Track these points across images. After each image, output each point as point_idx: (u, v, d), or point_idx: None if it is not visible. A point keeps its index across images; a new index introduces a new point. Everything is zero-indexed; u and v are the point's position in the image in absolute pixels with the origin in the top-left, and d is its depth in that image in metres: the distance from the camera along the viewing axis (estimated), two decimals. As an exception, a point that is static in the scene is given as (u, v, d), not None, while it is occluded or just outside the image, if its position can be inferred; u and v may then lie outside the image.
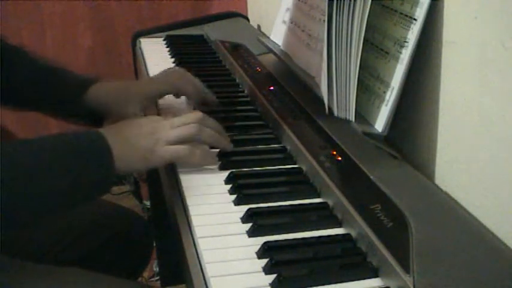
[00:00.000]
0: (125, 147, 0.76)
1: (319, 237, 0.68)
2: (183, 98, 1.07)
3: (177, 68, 1.14)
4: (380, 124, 0.81)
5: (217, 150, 0.86)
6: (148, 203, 1.97)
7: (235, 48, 1.35)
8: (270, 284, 0.60)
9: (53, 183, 0.70)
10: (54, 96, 1.04)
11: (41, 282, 0.81)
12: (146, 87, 1.04)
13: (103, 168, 0.74)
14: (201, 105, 1.04)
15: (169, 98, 1.06)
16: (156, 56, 1.40)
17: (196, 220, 0.71)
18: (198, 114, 0.84)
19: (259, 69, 1.20)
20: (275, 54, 1.18)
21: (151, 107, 1.05)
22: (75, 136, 0.75)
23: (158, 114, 1.05)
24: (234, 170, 0.82)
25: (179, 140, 0.79)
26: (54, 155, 0.72)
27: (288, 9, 1.19)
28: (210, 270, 0.62)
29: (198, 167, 0.83)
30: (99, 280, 0.86)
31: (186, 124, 0.81)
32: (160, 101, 1.07)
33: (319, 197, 0.77)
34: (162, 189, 0.87)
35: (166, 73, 1.09)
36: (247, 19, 1.68)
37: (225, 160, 0.85)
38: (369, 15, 0.78)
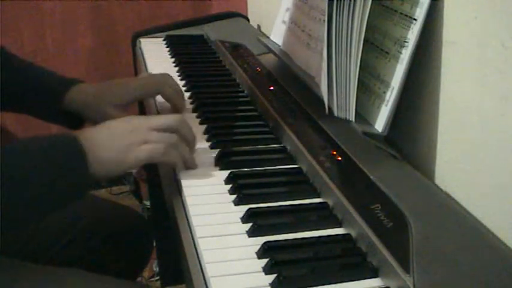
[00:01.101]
0: (100, 151, 0.74)
1: (319, 237, 0.68)
2: None
3: (162, 72, 1.14)
4: (380, 124, 0.81)
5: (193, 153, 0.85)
6: (148, 203, 1.97)
7: (235, 48, 1.35)
8: (270, 284, 0.60)
9: (26, 190, 0.69)
10: (33, 97, 1.04)
11: (40, 282, 0.81)
12: (125, 89, 1.03)
13: (77, 173, 0.72)
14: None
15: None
16: (156, 56, 1.40)
17: (196, 220, 0.71)
18: (176, 118, 0.82)
19: (259, 69, 1.20)
20: (275, 54, 1.18)
21: (132, 107, 1.05)
22: (50, 140, 0.74)
23: (158, 113, 1.05)
24: (234, 170, 0.82)
25: (155, 142, 0.78)
26: (27, 161, 0.71)
27: (288, 9, 1.19)
28: (210, 270, 0.62)
29: (175, 168, 0.82)
30: (99, 281, 0.86)
31: (164, 126, 0.80)
32: (159, 99, 1.07)
33: (319, 197, 0.77)
34: (162, 189, 0.87)
35: (149, 75, 1.09)
36: (247, 19, 1.68)
37: (225, 160, 0.85)
38: (369, 15, 0.78)
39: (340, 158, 0.80)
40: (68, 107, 1.02)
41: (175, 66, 1.33)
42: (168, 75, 1.08)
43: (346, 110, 0.83)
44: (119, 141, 0.77)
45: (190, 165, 0.82)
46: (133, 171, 2.24)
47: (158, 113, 1.05)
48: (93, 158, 0.73)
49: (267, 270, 0.62)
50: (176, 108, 1.04)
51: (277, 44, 1.21)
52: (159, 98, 1.06)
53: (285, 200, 0.76)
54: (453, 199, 0.73)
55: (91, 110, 1.01)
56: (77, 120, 1.04)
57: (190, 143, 0.83)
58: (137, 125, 0.79)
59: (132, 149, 0.76)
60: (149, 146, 0.77)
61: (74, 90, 1.02)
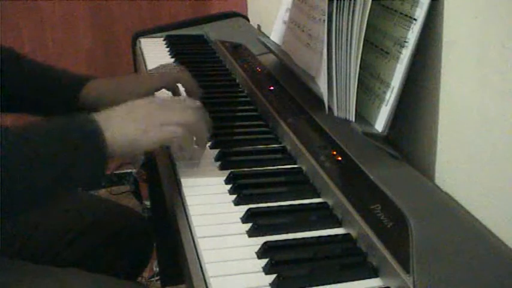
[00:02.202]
0: (118, 130, 0.75)
1: (319, 237, 0.68)
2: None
3: (171, 63, 1.14)
4: (380, 124, 0.81)
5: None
6: (148, 203, 1.97)
7: (235, 48, 1.35)
8: (270, 284, 0.60)
9: (44, 169, 0.70)
10: (47, 97, 1.03)
11: (40, 282, 0.81)
12: (141, 82, 1.04)
13: (96, 152, 0.73)
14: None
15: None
16: (156, 56, 1.40)
17: (196, 220, 0.71)
18: (198, 103, 0.83)
19: (259, 69, 1.20)
20: (275, 54, 1.18)
21: None
22: (68, 121, 0.75)
23: None
24: (234, 170, 0.82)
25: (175, 124, 0.78)
26: (45, 140, 0.71)
27: (288, 9, 1.19)
28: (210, 270, 0.62)
29: (187, 154, 0.83)
30: (99, 281, 0.86)
31: (185, 109, 0.80)
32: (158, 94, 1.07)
33: (319, 197, 0.77)
34: (162, 189, 0.87)
35: (162, 67, 1.09)
36: (247, 19, 1.69)
37: (225, 160, 0.85)
38: (369, 15, 0.78)
39: (340, 158, 0.80)
40: (83, 104, 1.01)
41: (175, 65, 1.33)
42: (179, 65, 1.08)
43: (346, 110, 0.83)
44: (138, 122, 0.77)
45: (195, 157, 0.82)
46: (133, 171, 2.24)
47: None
48: (110, 138, 0.73)
49: (267, 270, 0.62)
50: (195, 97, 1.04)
51: (277, 44, 1.21)
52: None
53: (285, 200, 0.76)
54: (453, 199, 0.73)
55: (109, 105, 1.01)
56: None
57: (202, 140, 0.83)
58: (158, 106, 0.79)
59: (150, 130, 0.77)
60: (169, 128, 0.77)
61: (89, 86, 1.02)
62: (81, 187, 0.76)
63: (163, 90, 1.05)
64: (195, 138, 0.81)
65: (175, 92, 1.06)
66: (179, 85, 1.06)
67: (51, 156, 0.71)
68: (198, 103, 0.83)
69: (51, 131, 0.73)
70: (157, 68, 1.13)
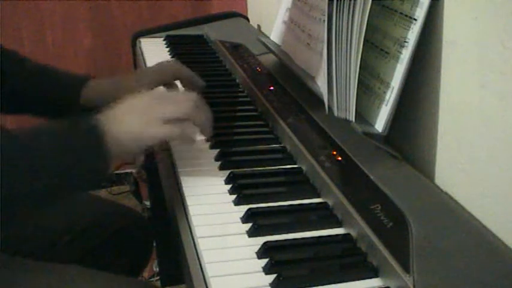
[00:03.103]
0: (120, 129, 0.75)
1: (319, 237, 0.68)
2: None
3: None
4: (380, 124, 0.81)
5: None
6: (148, 203, 1.97)
7: (235, 48, 1.35)
8: (270, 284, 0.60)
9: (45, 173, 0.70)
10: (50, 97, 1.03)
11: (41, 279, 0.81)
12: (139, 79, 1.03)
13: (98, 152, 0.73)
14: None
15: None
16: (156, 56, 1.40)
17: (196, 220, 0.71)
18: (194, 95, 0.82)
19: (259, 69, 1.20)
20: (275, 54, 1.18)
21: None
22: (70, 125, 0.75)
23: None
24: (234, 170, 0.82)
25: (173, 119, 0.78)
26: (46, 144, 0.71)
27: (288, 9, 1.19)
28: (210, 270, 0.62)
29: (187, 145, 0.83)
30: (100, 277, 0.86)
31: (183, 101, 0.80)
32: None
33: (319, 197, 0.77)
34: (162, 189, 0.87)
35: (160, 64, 1.09)
36: (247, 19, 1.69)
37: (225, 160, 0.85)
38: (369, 15, 0.78)
39: (340, 158, 0.80)
40: (84, 104, 1.01)
41: (175, 66, 1.33)
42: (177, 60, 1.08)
43: (346, 110, 0.83)
44: (138, 120, 0.77)
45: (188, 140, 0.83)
46: (133, 171, 2.24)
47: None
48: (113, 138, 0.73)
49: (267, 270, 0.62)
50: (197, 88, 1.04)
51: (277, 44, 1.21)
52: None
53: (285, 200, 0.76)
54: (453, 199, 0.72)
55: (110, 103, 1.01)
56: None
57: (205, 129, 0.84)
58: (156, 101, 0.79)
59: (149, 128, 0.77)
60: (167, 127, 0.77)
61: (89, 86, 1.02)
62: (84, 190, 0.76)
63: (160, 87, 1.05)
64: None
65: (171, 86, 1.06)
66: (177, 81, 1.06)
67: (54, 161, 0.71)
68: (195, 94, 0.83)
69: (54, 135, 0.73)
70: (154, 65, 1.12)
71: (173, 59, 1.17)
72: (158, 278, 1.82)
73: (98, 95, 1.01)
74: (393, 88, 0.80)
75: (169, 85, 1.05)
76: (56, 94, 1.03)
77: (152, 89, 1.03)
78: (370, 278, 0.61)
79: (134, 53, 1.52)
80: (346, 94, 0.82)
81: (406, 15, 0.79)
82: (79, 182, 0.74)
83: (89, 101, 1.01)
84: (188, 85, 1.05)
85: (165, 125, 0.77)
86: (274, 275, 0.60)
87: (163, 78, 1.04)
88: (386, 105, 0.80)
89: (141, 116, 0.77)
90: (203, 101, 0.83)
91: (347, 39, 0.80)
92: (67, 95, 1.02)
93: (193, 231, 0.69)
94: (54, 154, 0.71)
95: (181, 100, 0.81)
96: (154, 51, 1.45)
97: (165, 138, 0.81)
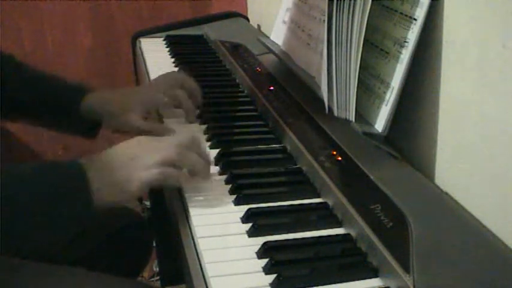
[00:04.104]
0: (104, 176, 0.73)
1: (319, 237, 0.68)
2: None
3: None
4: (380, 124, 0.81)
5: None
6: (148, 203, 1.97)
7: (235, 48, 1.35)
8: (270, 284, 0.60)
9: (28, 218, 0.69)
10: (49, 106, 1.03)
11: (40, 281, 0.81)
12: (146, 95, 1.03)
13: (81, 203, 0.72)
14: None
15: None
16: (156, 56, 1.40)
17: (196, 220, 0.71)
18: (182, 138, 0.79)
19: (259, 69, 1.20)
20: (275, 54, 1.18)
21: (152, 113, 1.04)
22: (55, 168, 0.74)
23: (159, 115, 1.05)
24: (234, 170, 0.82)
25: (158, 165, 0.75)
26: (30, 188, 0.71)
27: (288, 9, 1.19)
28: (210, 270, 0.62)
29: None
30: (99, 279, 0.86)
31: (169, 147, 0.77)
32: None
33: (319, 197, 0.77)
34: (162, 189, 0.87)
35: (164, 76, 1.08)
36: (247, 19, 1.69)
37: (225, 160, 0.85)
38: (369, 15, 0.78)
39: (340, 158, 0.80)
40: (84, 116, 1.01)
41: (175, 66, 1.33)
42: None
43: (346, 110, 0.83)
44: (123, 170, 0.74)
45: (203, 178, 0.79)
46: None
47: (159, 118, 1.05)
48: (97, 186, 0.72)
49: (267, 270, 0.62)
50: (195, 103, 1.04)
51: (277, 44, 1.21)
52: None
53: (285, 200, 0.76)
54: (453, 199, 0.72)
55: (113, 118, 1.00)
56: (91, 128, 1.04)
57: (203, 162, 0.79)
58: (142, 149, 0.77)
59: (134, 177, 0.74)
60: (149, 172, 0.74)
61: (90, 98, 1.01)
62: (66, 234, 0.76)
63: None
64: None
65: (150, 113, 1.02)
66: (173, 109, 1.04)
67: (35, 204, 0.70)
68: (183, 137, 0.80)
69: (36, 180, 0.72)
70: (159, 77, 1.11)
71: (174, 64, 1.16)
72: (158, 278, 1.82)
73: (102, 109, 1.00)
74: (393, 88, 0.80)
75: (167, 130, 0.99)
76: (55, 103, 1.02)
77: (157, 104, 1.02)
78: (370, 278, 0.61)
79: (134, 53, 1.52)
80: (346, 94, 0.82)
81: (406, 15, 0.79)
82: (61, 230, 0.73)
83: (91, 112, 1.01)
84: (189, 95, 1.04)
85: (150, 172, 0.74)
86: (274, 275, 0.60)
87: (171, 83, 1.04)
88: (386, 105, 0.80)
89: (123, 168, 0.74)
90: (195, 141, 0.80)
91: (347, 39, 0.80)
92: (66, 104, 1.02)
93: (193, 231, 0.69)
94: (36, 200, 0.70)
95: (163, 148, 0.77)
96: (154, 51, 1.45)
97: (152, 185, 0.76)
